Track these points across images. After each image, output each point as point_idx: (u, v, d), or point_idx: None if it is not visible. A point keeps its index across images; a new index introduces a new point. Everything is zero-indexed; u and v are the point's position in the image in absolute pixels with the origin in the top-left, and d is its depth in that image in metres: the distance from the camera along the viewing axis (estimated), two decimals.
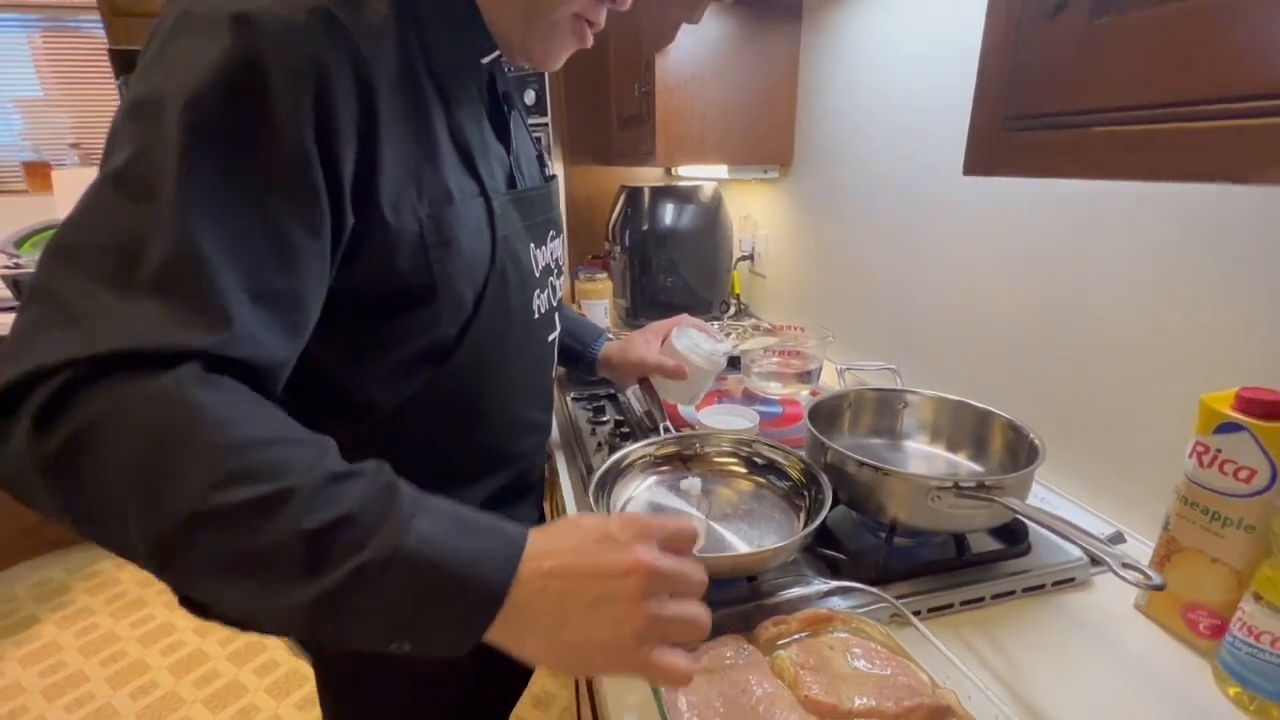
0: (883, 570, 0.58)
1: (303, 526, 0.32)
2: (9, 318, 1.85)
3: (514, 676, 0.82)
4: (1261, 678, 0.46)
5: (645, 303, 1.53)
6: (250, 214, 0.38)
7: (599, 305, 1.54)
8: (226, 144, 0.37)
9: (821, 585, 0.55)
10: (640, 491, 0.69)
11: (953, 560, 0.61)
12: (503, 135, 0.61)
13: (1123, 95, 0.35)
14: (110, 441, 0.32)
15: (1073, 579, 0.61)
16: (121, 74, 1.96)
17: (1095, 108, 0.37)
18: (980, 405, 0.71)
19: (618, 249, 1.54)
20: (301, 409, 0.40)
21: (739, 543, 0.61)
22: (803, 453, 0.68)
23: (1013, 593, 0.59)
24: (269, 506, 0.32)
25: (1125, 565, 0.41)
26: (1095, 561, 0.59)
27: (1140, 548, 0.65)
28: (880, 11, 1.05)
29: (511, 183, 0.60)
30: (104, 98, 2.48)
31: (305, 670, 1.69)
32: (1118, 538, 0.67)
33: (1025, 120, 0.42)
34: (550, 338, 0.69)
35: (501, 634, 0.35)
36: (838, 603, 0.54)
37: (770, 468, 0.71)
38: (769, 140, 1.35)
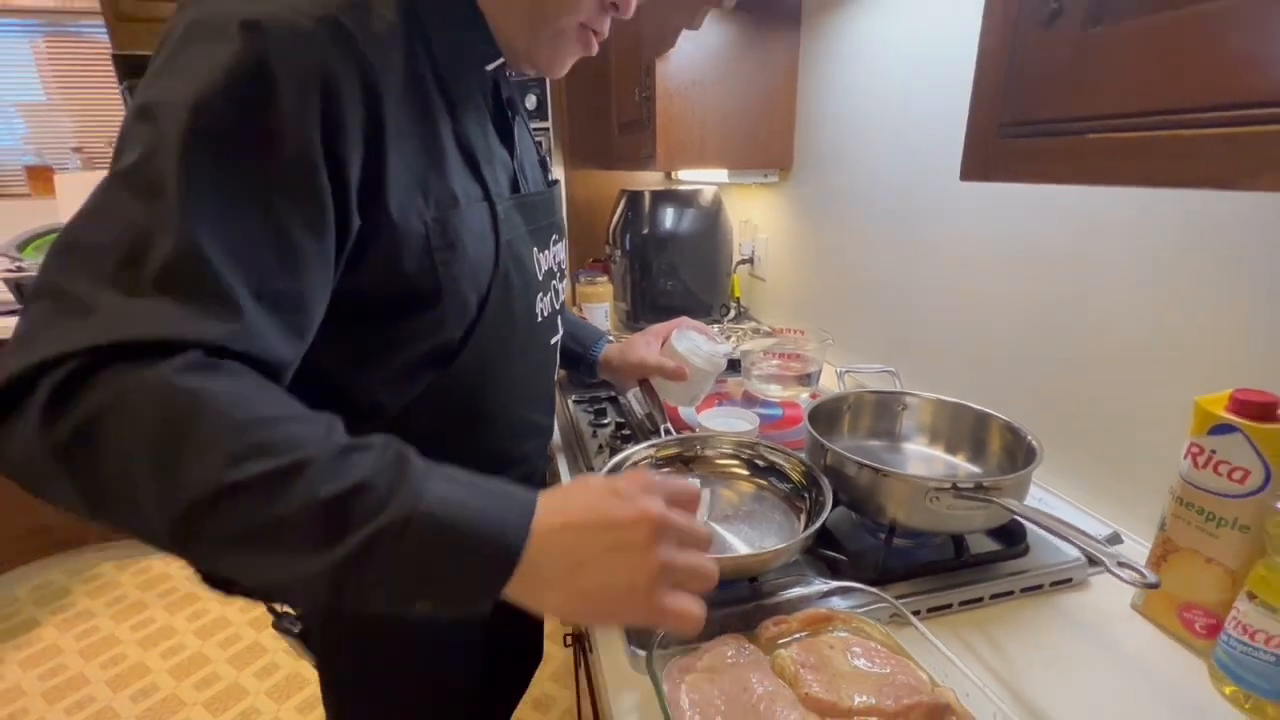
0: (882, 571, 0.59)
1: (319, 496, 0.33)
2: (11, 321, 1.86)
3: (515, 679, 0.82)
4: (1257, 676, 0.46)
5: (646, 306, 1.53)
6: (255, 216, 0.38)
7: (600, 308, 1.55)
8: (232, 147, 0.38)
9: (821, 585, 0.55)
10: None
11: (951, 561, 0.61)
12: (506, 140, 0.61)
13: (1117, 102, 0.36)
14: (123, 425, 0.33)
15: (1070, 579, 0.61)
16: (125, 79, 1.97)
17: (1090, 115, 0.38)
18: (978, 407, 0.71)
19: (618, 252, 1.55)
20: None
21: (740, 544, 0.62)
22: (803, 455, 0.69)
23: (1011, 593, 0.60)
24: (284, 479, 0.33)
25: (1121, 564, 0.42)
26: (1092, 562, 0.60)
27: (1137, 548, 0.66)
28: (879, 17, 1.06)
29: (515, 187, 0.61)
30: (107, 102, 2.49)
31: (306, 673, 1.69)
32: (1115, 538, 0.68)
33: (1021, 126, 0.43)
34: (553, 341, 0.69)
35: (519, 589, 0.36)
36: (838, 603, 0.54)
37: (771, 470, 0.71)
38: (769, 145, 1.36)
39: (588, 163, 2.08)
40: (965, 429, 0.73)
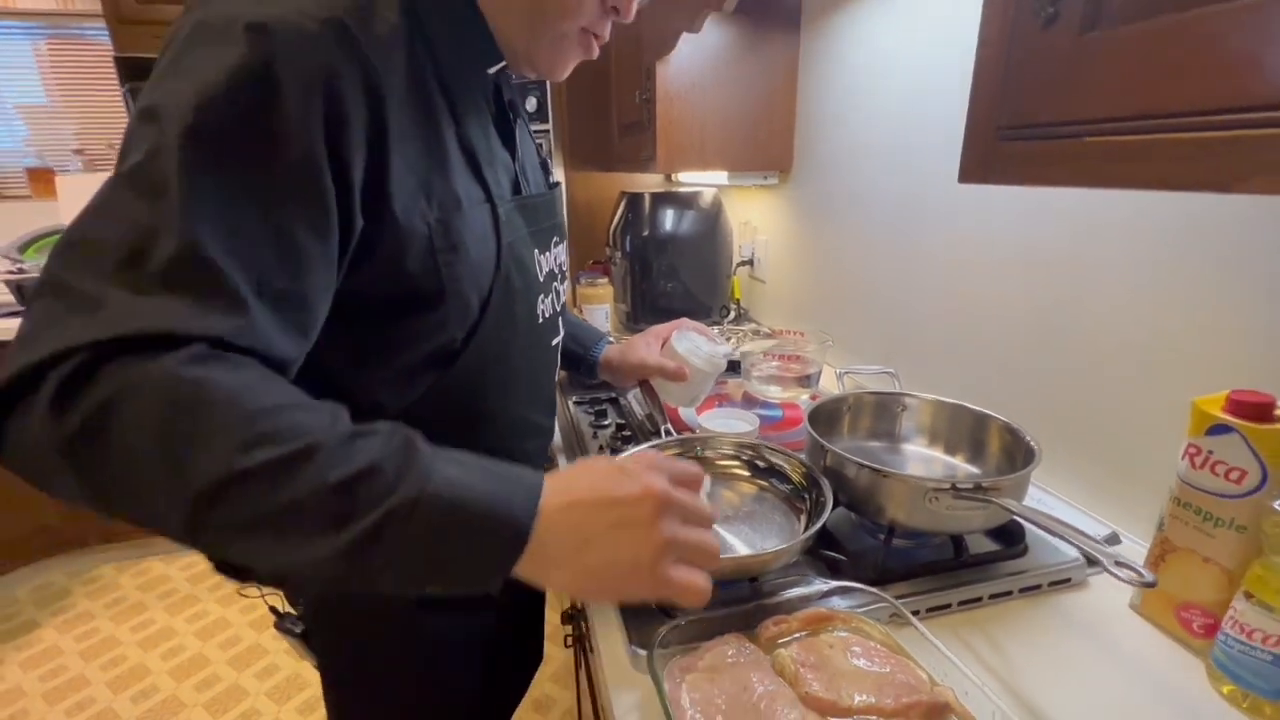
0: (882, 571, 0.59)
1: (327, 480, 0.34)
2: (13, 323, 1.86)
3: (516, 679, 0.82)
4: (1254, 675, 0.47)
5: (646, 307, 1.54)
6: (258, 216, 0.39)
7: (600, 310, 1.55)
8: (235, 147, 0.38)
9: (822, 585, 0.56)
10: None
11: (951, 561, 0.62)
12: (508, 143, 0.62)
13: (1112, 106, 0.37)
14: (131, 416, 0.33)
15: (1069, 579, 0.61)
16: (126, 81, 1.97)
17: (1086, 118, 0.38)
18: (977, 408, 0.72)
19: (618, 254, 1.56)
20: None
21: (740, 545, 0.62)
22: (803, 456, 0.69)
23: (1010, 593, 0.60)
24: (293, 465, 0.34)
25: (1118, 564, 0.42)
26: (1091, 562, 0.60)
27: (1136, 549, 0.66)
28: (878, 20, 1.06)
29: (516, 189, 0.61)
30: (108, 104, 2.49)
31: (307, 675, 1.69)
32: (1113, 539, 0.68)
33: (1018, 130, 0.43)
34: (554, 342, 0.70)
35: (528, 567, 0.37)
36: (838, 602, 0.55)
37: (772, 471, 0.72)
38: (768, 147, 1.36)
39: (588, 165, 2.09)
40: (964, 430, 0.74)
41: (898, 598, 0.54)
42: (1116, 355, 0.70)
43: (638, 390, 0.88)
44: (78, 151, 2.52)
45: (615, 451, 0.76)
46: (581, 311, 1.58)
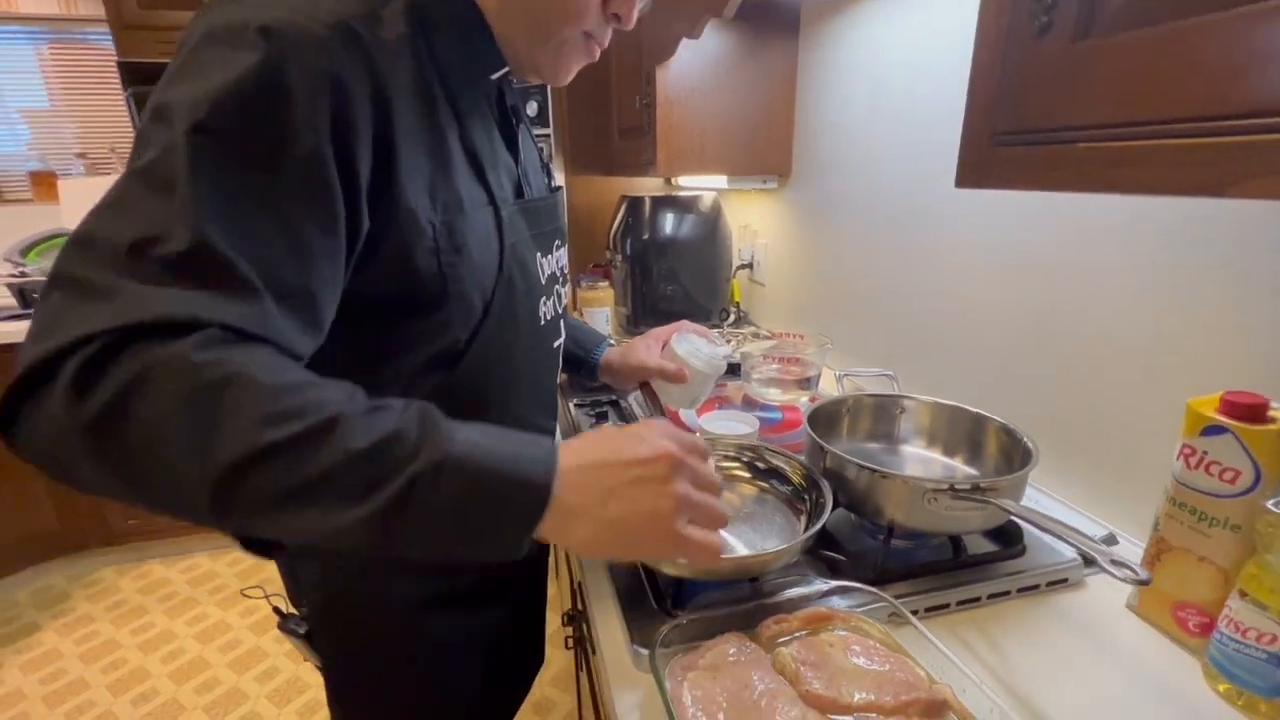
0: (881, 571, 0.60)
1: (353, 448, 0.35)
2: (14, 326, 1.87)
3: (516, 681, 0.83)
4: (1249, 673, 0.47)
5: (646, 310, 1.55)
6: (268, 214, 0.40)
7: (600, 313, 1.56)
8: (246, 146, 0.39)
9: (822, 585, 0.56)
10: None
11: (949, 561, 0.62)
12: (511, 147, 0.62)
13: (1105, 113, 0.37)
14: (154, 396, 0.33)
15: (1066, 579, 0.62)
16: (129, 85, 1.98)
17: (1079, 124, 0.39)
18: (975, 410, 0.72)
19: (619, 257, 1.56)
20: None
21: (741, 545, 0.63)
22: (803, 457, 0.70)
23: (1008, 593, 0.60)
24: (318, 436, 0.35)
25: (1114, 561, 0.42)
26: (1088, 562, 0.61)
27: (1133, 549, 0.67)
28: (876, 27, 1.07)
29: (519, 193, 0.62)
30: (110, 109, 2.50)
31: (306, 677, 1.69)
32: (1110, 539, 0.69)
33: (1014, 135, 0.44)
34: (555, 344, 0.70)
35: (550, 524, 0.39)
36: (837, 602, 0.55)
37: (773, 472, 0.72)
38: (768, 151, 1.37)
39: (588, 169, 2.10)
40: (962, 431, 0.74)
41: (897, 597, 0.54)
42: (1113, 357, 0.71)
43: (638, 392, 0.88)
44: (80, 155, 2.53)
45: None
46: (582, 314, 1.58)
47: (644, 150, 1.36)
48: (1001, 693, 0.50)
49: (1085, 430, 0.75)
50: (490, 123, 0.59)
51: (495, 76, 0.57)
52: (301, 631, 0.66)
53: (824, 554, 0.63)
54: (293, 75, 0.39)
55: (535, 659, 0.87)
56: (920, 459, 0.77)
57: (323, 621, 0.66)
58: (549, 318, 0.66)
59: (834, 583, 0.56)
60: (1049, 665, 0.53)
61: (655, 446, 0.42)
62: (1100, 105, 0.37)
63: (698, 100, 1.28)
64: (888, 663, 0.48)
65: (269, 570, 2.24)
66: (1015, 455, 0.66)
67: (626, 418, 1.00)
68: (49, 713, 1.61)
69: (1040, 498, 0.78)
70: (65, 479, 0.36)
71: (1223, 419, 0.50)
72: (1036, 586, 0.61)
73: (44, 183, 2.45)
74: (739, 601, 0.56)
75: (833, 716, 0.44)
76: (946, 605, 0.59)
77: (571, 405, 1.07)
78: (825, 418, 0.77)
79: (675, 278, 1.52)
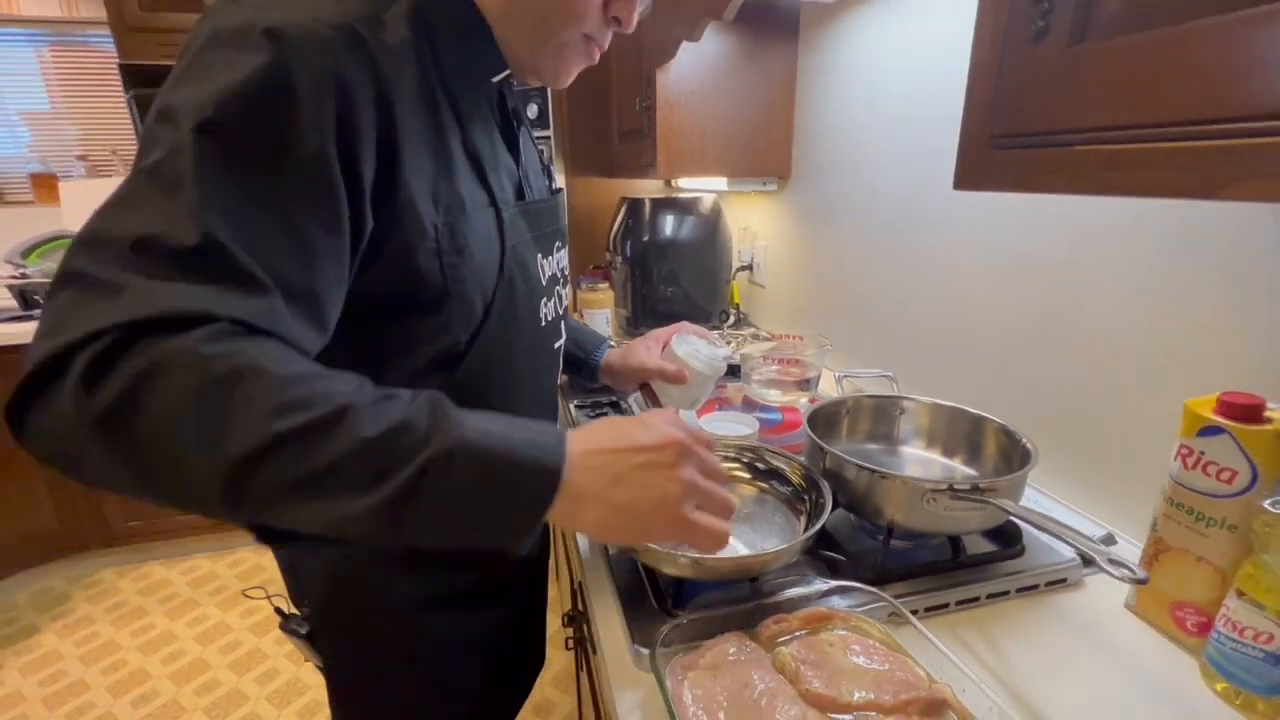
0: (880, 571, 0.60)
1: (364, 435, 0.36)
2: (16, 328, 1.87)
3: (517, 682, 0.83)
4: (1246, 672, 0.48)
5: (646, 312, 1.55)
6: (274, 213, 0.40)
7: (601, 314, 1.56)
8: (251, 145, 0.39)
9: (821, 585, 0.57)
10: None
11: (948, 561, 0.62)
12: (512, 149, 0.63)
13: (1101, 116, 0.38)
14: (165, 389, 0.34)
15: (1065, 579, 0.62)
16: (131, 87, 1.99)
17: (1075, 128, 0.39)
18: (974, 411, 0.73)
19: (619, 259, 1.57)
20: None
21: (741, 545, 0.63)
22: (803, 458, 0.70)
23: (1007, 593, 0.61)
24: (329, 425, 0.35)
25: (1111, 561, 0.43)
26: (1087, 562, 0.61)
27: (1131, 549, 0.67)
28: (875, 30, 1.08)
29: (520, 194, 0.62)
30: (111, 111, 2.51)
31: (306, 679, 1.69)
32: (1109, 539, 0.69)
33: (1011, 138, 0.44)
34: (556, 345, 0.71)
35: (562, 508, 0.40)
36: (837, 602, 0.56)
37: (772, 473, 0.72)
38: (767, 154, 1.38)
39: (588, 170, 2.10)
40: (961, 432, 0.75)
41: (896, 597, 0.55)
42: (1112, 359, 0.71)
43: (638, 394, 0.88)
44: (81, 157, 2.54)
45: None
46: (582, 316, 1.59)
47: (644, 152, 1.36)
48: (1000, 692, 0.50)
49: (1084, 431, 0.75)
50: (491, 125, 0.59)
51: (496, 79, 0.58)
52: (303, 632, 0.67)
53: (824, 554, 0.64)
54: (298, 76, 0.40)
55: (536, 660, 0.87)
56: (920, 460, 0.77)
57: (324, 622, 0.66)
58: (550, 319, 0.66)
59: (834, 583, 0.57)
60: (1048, 665, 0.53)
61: (663, 433, 0.44)
62: (1096, 109, 0.38)
63: (698, 103, 1.28)
64: (887, 662, 0.48)
65: (270, 571, 2.25)
66: (1014, 456, 0.66)
67: None
68: (49, 714, 1.61)
69: (1039, 498, 0.78)
70: (75, 474, 0.36)
71: (1219, 419, 0.50)
72: (1035, 586, 0.62)
73: (45, 185, 2.45)
74: (739, 601, 0.56)
75: (833, 715, 0.44)
76: (946, 605, 0.59)
77: (572, 406, 1.08)
78: (825, 419, 0.77)
79: (675, 279, 1.53)
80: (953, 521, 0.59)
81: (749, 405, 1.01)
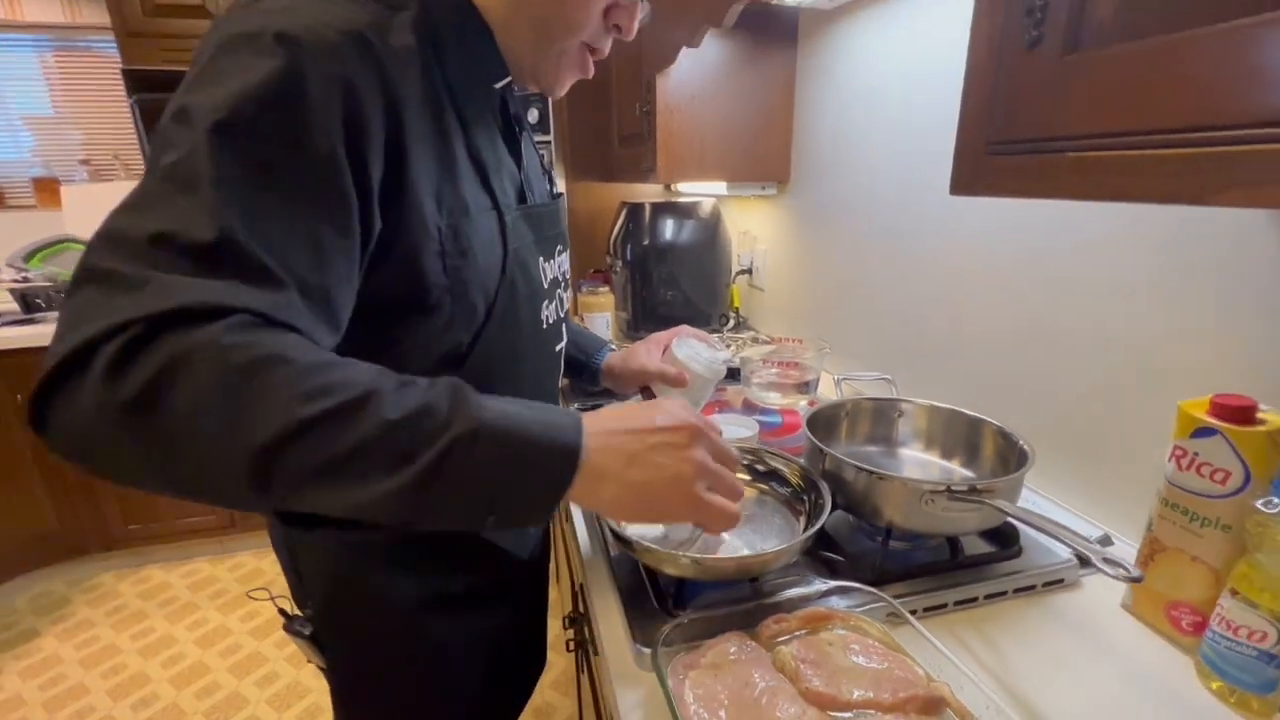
0: (879, 572, 0.60)
1: (388, 419, 0.37)
2: (17, 331, 1.87)
3: (518, 684, 0.83)
4: (1240, 671, 0.48)
5: (646, 315, 1.56)
6: (287, 212, 0.41)
7: (601, 318, 1.57)
8: (265, 146, 0.40)
9: (821, 585, 0.57)
10: None
11: (947, 562, 0.63)
12: (514, 154, 0.64)
13: (1093, 123, 0.38)
14: (190, 380, 0.34)
15: (1062, 580, 0.63)
16: (134, 92, 2.00)
17: (1068, 134, 0.40)
18: (972, 413, 0.73)
19: (619, 263, 1.57)
20: None
21: (741, 546, 0.63)
22: (802, 460, 0.71)
23: (1004, 593, 0.61)
24: (353, 410, 0.36)
25: (1106, 559, 0.43)
26: (1084, 563, 0.62)
27: (1128, 550, 0.68)
28: (873, 36, 1.09)
29: (522, 198, 0.63)
30: (114, 115, 2.52)
31: (307, 682, 1.69)
32: (1106, 540, 0.69)
33: (1006, 145, 0.45)
34: (557, 348, 0.71)
35: (580, 487, 0.41)
36: (836, 602, 0.56)
37: (772, 474, 0.73)
38: (766, 158, 1.39)
39: (589, 175, 2.11)
40: (959, 434, 0.75)
41: (895, 598, 0.55)
42: (1107, 362, 0.72)
43: (639, 396, 0.89)
44: (83, 162, 2.55)
45: None
46: (583, 319, 1.59)
47: (644, 157, 1.37)
48: (998, 690, 0.51)
49: (1080, 433, 0.76)
50: (494, 130, 0.60)
51: (499, 85, 0.59)
52: (306, 633, 0.67)
53: (823, 555, 0.64)
54: (310, 80, 0.41)
55: (537, 663, 0.87)
56: (918, 462, 0.78)
57: (327, 622, 0.66)
58: (551, 322, 0.67)
59: (833, 583, 0.57)
60: (1045, 664, 0.53)
61: (676, 417, 0.46)
62: (1088, 116, 0.39)
63: (698, 108, 1.29)
64: (886, 661, 0.48)
65: (270, 574, 2.25)
66: (1011, 458, 0.67)
67: None
68: (49, 718, 1.61)
69: (1037, 500, 0.79)
70: (97, 469, 0.37)
71: (1213, 421, 0.51)
72: (1033, 587, 0.62)
73: (47, 189, 2.46)
74: (739, 601, 0.56)
75: (832, 713, 0.45)
76: (944, 605, 0.60)
77: (573, 409, 1.08)
78: (824, 421, 0.78)
79: (675, 283, 1.54)
80: (950, 522, 0.60)
81: (749, 408, 1.02)
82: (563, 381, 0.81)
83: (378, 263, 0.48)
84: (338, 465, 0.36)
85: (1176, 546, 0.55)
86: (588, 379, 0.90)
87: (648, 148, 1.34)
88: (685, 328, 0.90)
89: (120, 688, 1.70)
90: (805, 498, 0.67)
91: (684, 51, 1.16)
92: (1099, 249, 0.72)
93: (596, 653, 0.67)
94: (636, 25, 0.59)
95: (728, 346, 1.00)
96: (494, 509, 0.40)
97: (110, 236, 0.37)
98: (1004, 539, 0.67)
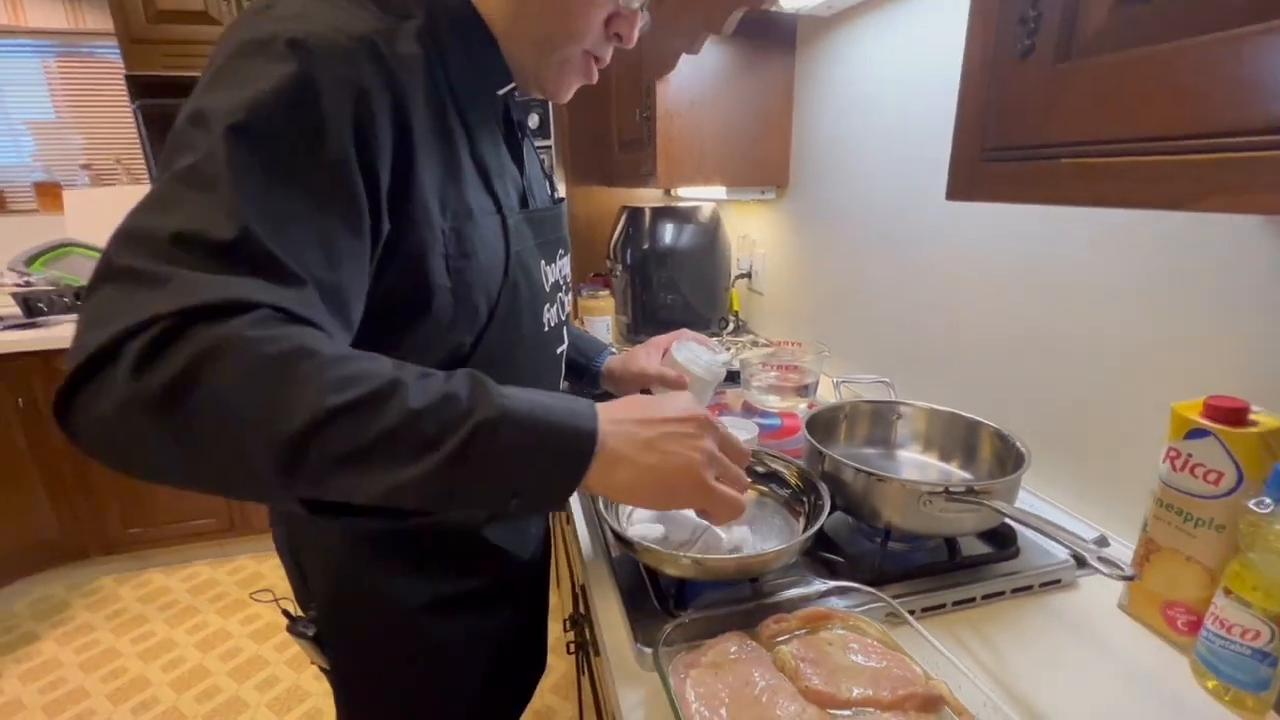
0: (878, 573, 0.61)
1: (413, 406, 0.38)
2: (19, 335, 1.88)
3: (519, 687, 0.84)
4: (1235, 669, 0.49)
5: (646, 319, 1.56)
6: (301, 213, 0.42)
7: (601, 321, 1.58)
8: (278, 149, 0.41)
9: (820, 585, 0.58)
10: None
11: (945, 563, 0.64)
12: (516, 158, 0.64)
13: (1085, 131, 0.39)
14: (219, 372, 0.35)
15: (1059, 580, 0.63)
16: (137, 98, 2.01)
17: (1062, 141, 0.41)
18: (970, 416, 0.74)
19: (619, 267, 1.58)
20: None
21: (749, 534, 0.64)
22: (801, 462, 0.71)
23: (1002, 593, 0.62)
24: (379, 399, 0.37)
25: (1101, 558, 0.44)
26: (1080, 563, 0.62)
27: (1124, 550, 0.68)
28: (871, 42, 1.10)
29: (524, 202, 0.64)
30: (115, 121, 2.54)
31: (306, 686, 1.69)
32: (1102, 541, 0.70)
33: (1000, 152, 0.46)
34: (559, 350, 0.72)
35: (597, 470, 0.43)
36: (836, 602, 0.57)
37: (771, 476, 0.74)
38: (765, 163, 1.40)
39: (589, 180, 2.13)
40: (957, 437, 0.76)
41: (894, 598, 0.56)
42: (1103, 364, 0.73)
43: None
44: (85, 166, 2.56)
45: None
46: (583, 323, 1.60)
47: (644, 162, 1.38)
48: (996, 689, 0.51)
49: (1076, 435, 0.77)
50: (497, 135, 0.61)
51: (502, 92, 0.60)
52: (310, 634, 0.67)
53: (823, 555, 0.65)
54: (323, 85, 0.42)
55: (537, 665, 0.88)
56: (916, 463, 0.79)
57: (330, 623, 0.67)
58: (552, 324, 0.68)
59: (832, 583, 0.58)
60: (1042, 663, 0.54)
61: (686, 408, 0.48)
62: (1080, 124, 0.39)
63: (697, 113, 1.30)
64: (885, 660, 0.49)
65: (270, 578, 2.25)
66: (1009, 459, 0.67)
67: None
68: None
69: (1034, 501, 0.79)
70: (125, 464, 0.37)
71: (1206, 422, 0.51)
72: (1030, 587, 0.63)
73: (49, 193, 2.47)
74: (739, 601, 0.57)
75: (832, 711, 0.45)
76: (942, 605, 0.60)
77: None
78: (823, 424, 0.78)
79: (675, 287, 1.54)
80: (948, 523, 0.60)
81: (748, 411, 1.03)
82: (563, 385, 0.82)
83: (384, 264, 0.49)
84: (365, 452, 0.37)
85: (1171, 547, 0.55)
86: (588, 382, 0.91)
87: (648, 153, 1.35)
88: (685, 331, 0.91)
89: (120, 691, 1.70)
90: (804, 499, 0.68)
91: (684, 58, 1.17)
92: (1094, 254, 0.73)
93: (598, 653, 0.68)
94: (637, 34, 0.60)
95: (727, 350, 1.00)
96: (518, 492, 0.41)
97: (131, 235, 0.38)
98: (1001, 540, 0.67)
